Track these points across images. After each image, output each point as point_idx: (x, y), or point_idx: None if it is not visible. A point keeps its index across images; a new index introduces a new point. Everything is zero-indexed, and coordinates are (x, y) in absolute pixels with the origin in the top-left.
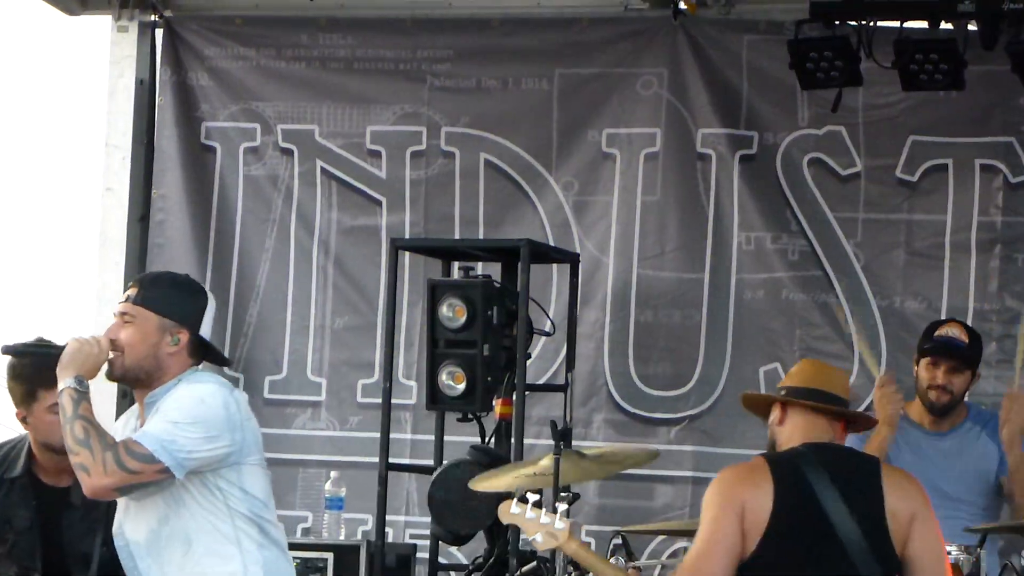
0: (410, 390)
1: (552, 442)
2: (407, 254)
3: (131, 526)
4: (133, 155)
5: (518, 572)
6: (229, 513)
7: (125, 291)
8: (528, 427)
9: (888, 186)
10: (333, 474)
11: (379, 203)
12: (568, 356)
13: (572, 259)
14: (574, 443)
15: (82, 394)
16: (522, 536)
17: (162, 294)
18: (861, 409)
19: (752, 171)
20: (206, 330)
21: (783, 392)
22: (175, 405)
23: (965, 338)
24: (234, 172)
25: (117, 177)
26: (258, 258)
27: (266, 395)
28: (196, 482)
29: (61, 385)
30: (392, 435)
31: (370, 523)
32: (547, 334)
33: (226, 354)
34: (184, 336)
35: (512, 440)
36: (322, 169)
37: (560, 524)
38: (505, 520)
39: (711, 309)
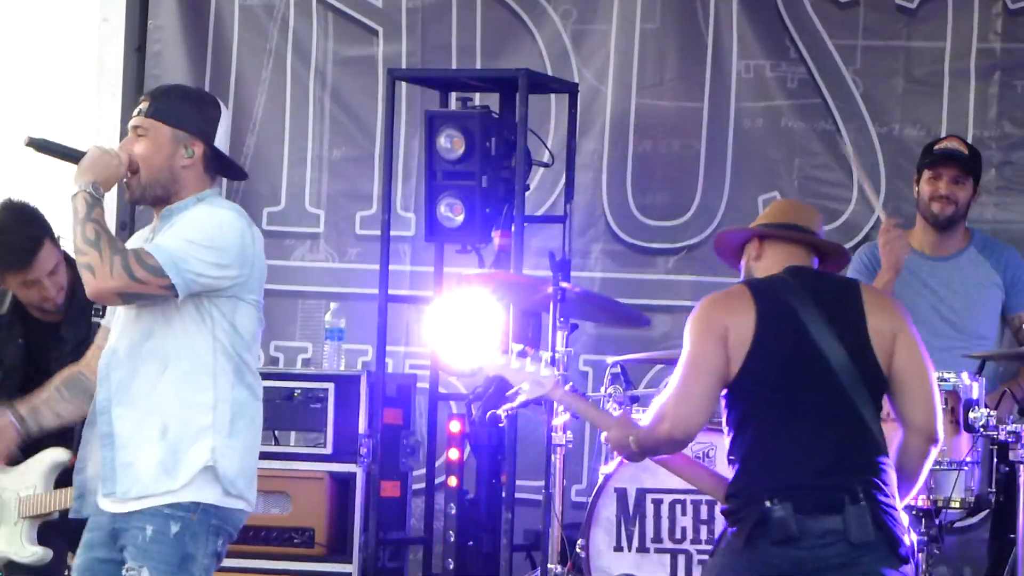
0: (408, 222)
1: (551, 272)
2: (404, 85)
3: (116, 334)
4: None
5: None
6: (213, 344)
7: (138, 105)
8: (527, 258)
9: (887, 13)
10: (333, 305)
11: (375, 33)
12: (566, 187)
13: (570, 89)
14: (572, 274)
15: (96, 199)
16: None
17: (173, 106)
18: (858, 240)
19: None
20: (221, 142)
21: (758, 227)
22: (193, 224)
23: (965, 149)
24: (230, 2)
25: (114, 7)
26: (254, 89)
27: (264, 226)
28: (189, 305)
29: (76, 188)
30: (391, 267)
31: (370, 354)
32: (545, 165)
33: (224, 184)
34: (198, 148)
35: (511, 270)
36: None
37: (545, 372)
38: (491, 371)
39: (710, 138)
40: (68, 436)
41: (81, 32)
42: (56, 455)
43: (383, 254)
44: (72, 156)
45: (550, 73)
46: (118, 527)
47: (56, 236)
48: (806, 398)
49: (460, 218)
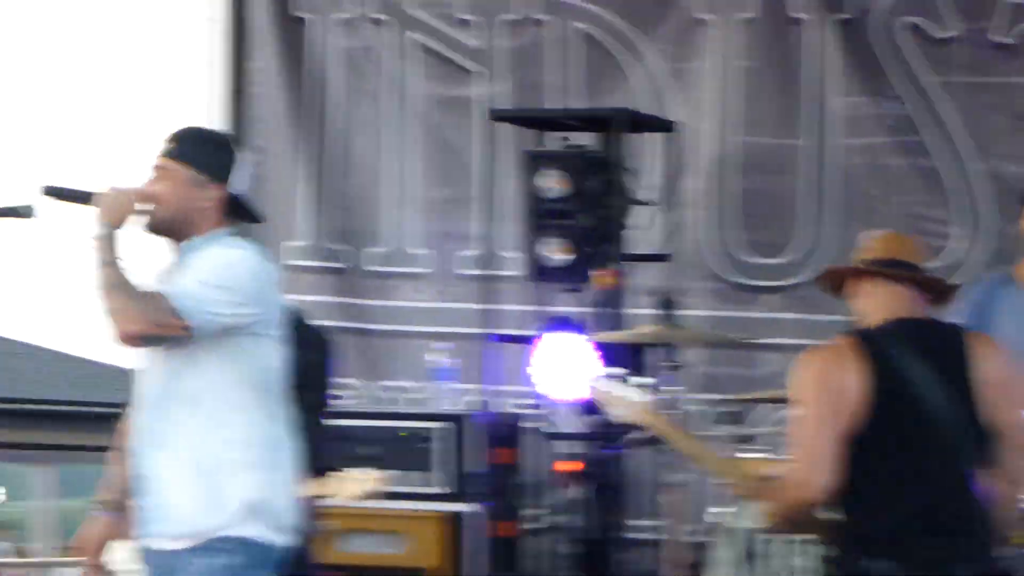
0: (511, 262)
1: (655, 311)
2: (501, 124)
3: (146, 378)
4: (227, 28)
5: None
6: (240, 381)
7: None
8: (630, 297)
9: (985, 48)
10: (436, 345)
11: (471, 73)
12: (668, 225)
13: (670, 127)
14: (677, 313)
15: (112, 241)
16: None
17: (193, 148)
18: (960, 275)
19: (847, 35)
20: (240, 186)
21: (861, 264)
22: (207, 265)
23: None
24: (325, 44)
25: (212, 51)
26: (353, 131)
27: (366, 267)
28: (213, 344)
29: (94, 232)
30: (494, 306)
31: (475, 393)
32: (646, 203)
33: (322, 226)
34: (215, 191)
35: (615, 311)
36: (413, 39)
37: (640, 398)
38: (590, 396)
39: (808, 176)
40: None
41: (182, 77)
42: None
43: (486, 294)
44: (84, 199)
45: (648, 111)
46: (168, 565)
47: None
48: (914, 456)
49: (562, 258)
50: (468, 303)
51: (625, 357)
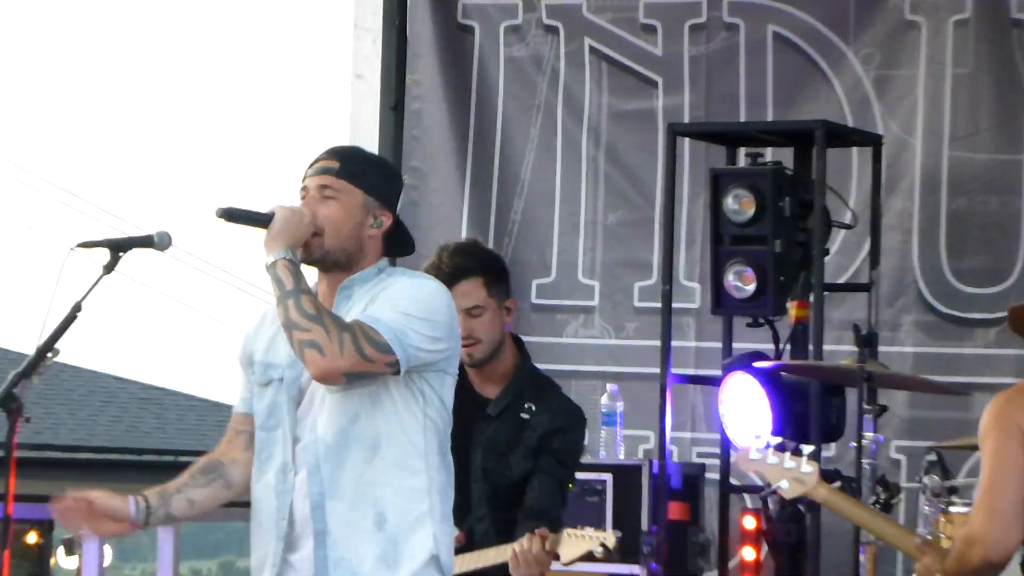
0: (693, 292)
1: (855, 348)
2: (686, 140)
3: (323, 421)
4: (384, 38)
5: None
6: (424, 423)
7: (316, 162)
8: (827, 332)
9: None
10: (610, 386)
11: (655, 84)
12: (872, 251)
13: (874, 141)
14: (880, 349)
15: (297, 266)
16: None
17: (366, 170)
18: None
19: None
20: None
21: None
22: (405, 296)
23: None
24: (494, 54)
25: (368, 62)
26: (522, 149)
27: (534, 300)
28: (400, 382)
29: (272, 257)
30: (674, 342)
31: (652, 440)
32: (847, 226)
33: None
34: (387, 219)
35: (810, 347)
36: (591, 48)
37: (807, 467)
38: (744, 467)
39: None
40: None
41: (334, 91)
42: None
43: (665, 328)
44: (262, 221)
45: (850, 124)
46: None
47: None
48: None
49: (751, 288)
50: (645, 339)
51: (821, 399)
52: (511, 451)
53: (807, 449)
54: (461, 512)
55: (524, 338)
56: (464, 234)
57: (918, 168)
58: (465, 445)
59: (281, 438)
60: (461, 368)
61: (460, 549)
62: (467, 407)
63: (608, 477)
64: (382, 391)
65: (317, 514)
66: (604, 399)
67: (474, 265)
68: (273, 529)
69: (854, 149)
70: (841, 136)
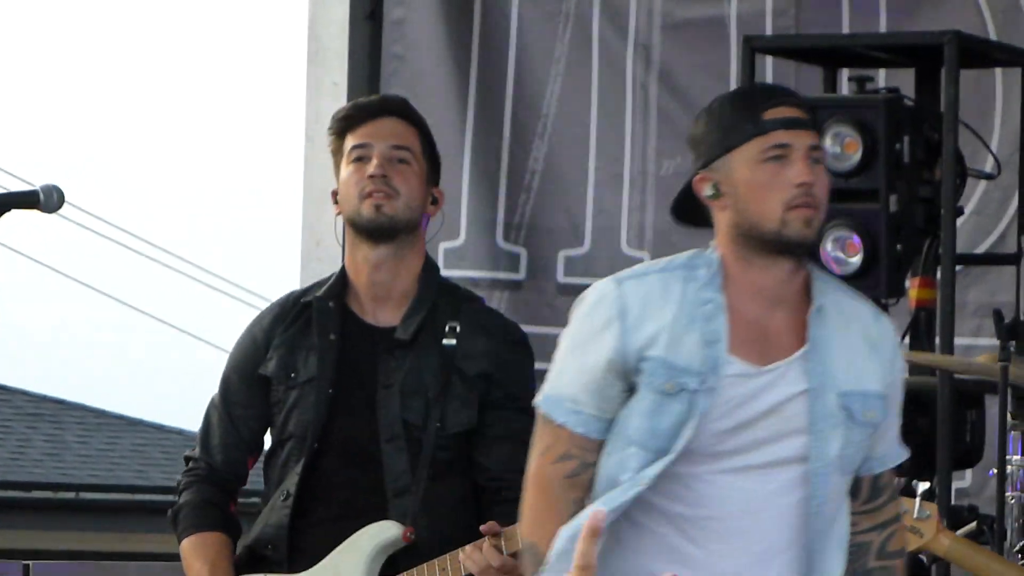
0: None
1: (997, 342)
2: (768, 59)
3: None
4: None
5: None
6: None
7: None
8: (961, 319)
9: None
10: None
11: None
12: (1021, 210)
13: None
14: None
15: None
16: None
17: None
18: None
19: None
20: None
21: None
22: None
23: None
24: None
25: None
26: (544, 73)
27: (561, 278)
28: None
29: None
30: None
31: None
32: (988, 176)
33: (502, 216)
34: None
35: (937, 340)
36: None
37: (924, 512)
38: None
39: None
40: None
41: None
42: (385, 531)
43: None
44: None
45: (993, 37)
46: None
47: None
48: None
49: (856, 260)
50: None
51: (951, 411)
52: (443, 397)
53: (922, 487)
54: (378, 494)
55: (548, 331)
56: (465, 190)
57: None
58: (367, 395)
59: None
60: (339, 290)
61: (404, 551)
62: (355, 341)
63: None
64: None
65: None
66: None
67: (413, 115)
68: None
69: (998, 71)
70: (980, 53)
